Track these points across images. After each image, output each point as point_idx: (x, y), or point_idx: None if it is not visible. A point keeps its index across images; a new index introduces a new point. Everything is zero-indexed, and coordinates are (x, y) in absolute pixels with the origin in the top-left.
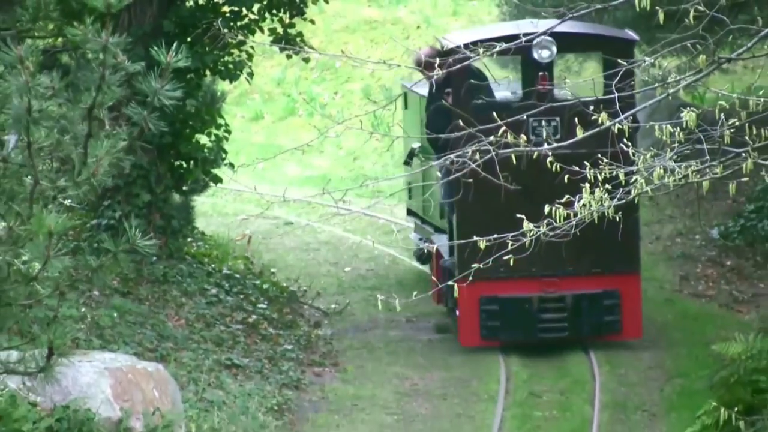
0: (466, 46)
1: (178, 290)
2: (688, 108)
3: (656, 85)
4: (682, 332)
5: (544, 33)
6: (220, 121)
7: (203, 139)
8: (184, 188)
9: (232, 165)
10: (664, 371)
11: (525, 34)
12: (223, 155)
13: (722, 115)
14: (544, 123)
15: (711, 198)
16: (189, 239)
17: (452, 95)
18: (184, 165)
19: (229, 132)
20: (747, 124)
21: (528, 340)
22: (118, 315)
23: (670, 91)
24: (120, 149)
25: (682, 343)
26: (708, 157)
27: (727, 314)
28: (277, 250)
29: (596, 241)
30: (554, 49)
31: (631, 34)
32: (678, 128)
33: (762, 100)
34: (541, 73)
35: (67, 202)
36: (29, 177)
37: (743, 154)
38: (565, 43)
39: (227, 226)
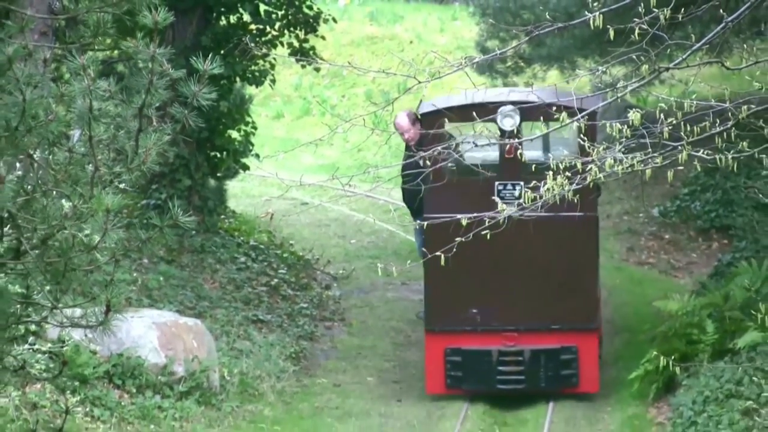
0: (437, 112)
1: (213, 258)
2: (633, 109)
3: (607, 90)
4: (628, 294)
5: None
6: (248, 119)
7: (234, 134)
8: (218, 174)
9: (257, 155)
10: (613, 326)
11: (491, 104)
12: (251, 147)
13: (662, 114)
14: (509, 187)
15: (652, 183)
16: (222, 216)
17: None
18: (218, 155)
19: (255, 128)
20: (682, 122)
21: (488, 390)
22: (163, 279)
23: (619, 94)
24: (165, 142)
25: (628, 302)
26: (650, 150)
27: (665, 279)
28: (294, 226)
29: (556, 298)
30: (517, 118)
31: (596, 102)
32: (625, 126)
33: (695, 102)
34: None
35: (121, 185)
36: (90, 165)
37: (679, 147)
38: (529, 111)
39: (253, 206)
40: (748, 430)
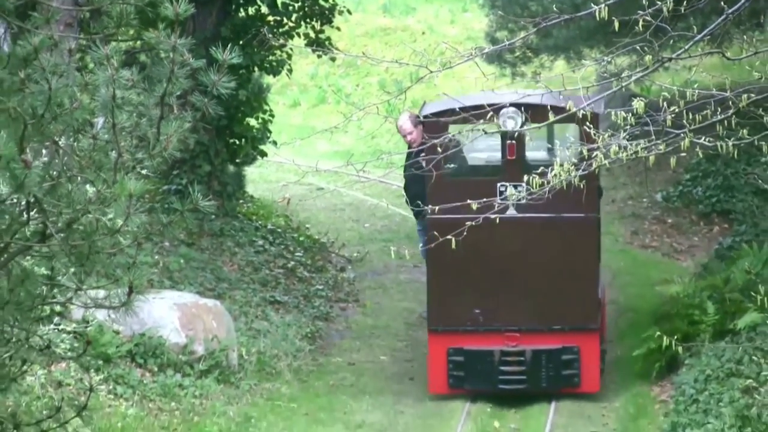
0: (441, 113)
1: (232, 242)
2: (637, 97)
3: (612, 79)
4: (633, 276)
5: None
6: (266, 107)
7: (252, 122)
8: (237, 160)
9: (275, 142)
10: (618, 306)
11: (491, 105)
12: (268, 134)
13: (665, 103)
14: (511, 188)
15: (656, 169)
16: (241, 201)
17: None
18: (237, 142)
19: (272, 116)
20: (685, 111)
21: (489, 390)
22: (184, 261)
23: (624, 83)
24: (186, 129)
25: (632, 284)
26: (653, 137)
27: (668, 261)
28: (310, 210)
29: (557, 299)
30: (519, 120)
31: (600, 106)
32: (630, 114)
33: (697, 91)
34: (509, 142)
35: (143, 171)
36: (113, 151)
37: (682, 135)
38: (532, 113)
39: (271, 191)
40: (748, 407)
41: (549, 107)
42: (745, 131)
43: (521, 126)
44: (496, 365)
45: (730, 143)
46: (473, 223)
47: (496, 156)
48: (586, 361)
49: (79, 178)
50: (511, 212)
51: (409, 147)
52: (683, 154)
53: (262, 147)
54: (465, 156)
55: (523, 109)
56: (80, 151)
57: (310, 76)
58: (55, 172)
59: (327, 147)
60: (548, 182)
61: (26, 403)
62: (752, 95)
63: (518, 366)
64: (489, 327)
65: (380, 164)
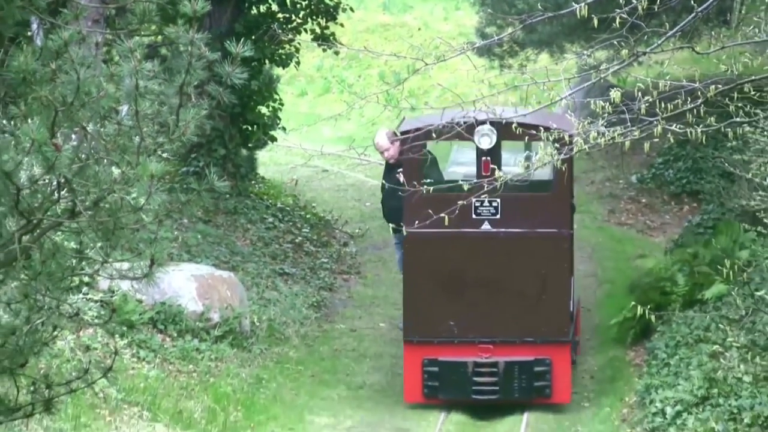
0: (416, 131)
1: (245, 219)
2: (614, 88)
3: (592, 71)
4: (610, 251)
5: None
6: (275, 96)
7: (263, 110)
8: (249, 145)
9: (284, 128)
10: (596, 279)
11: (465, 123)
12: (278, 121)
13: (639, 93)
14: (486, 203)
15: (631, 153)
16: (252, 182)
17: (404, 174)
18: (249, 128)
19: (282, 104)
20: (657, 100)
21: (463, 400)
22: (201, 237)
23: (602, 75)
24: (202, 116)
25: (609, 258)
26: (629, 124)
27: (642, 237)
28: (316, 190)
29: (530, 312)
30: (494, 137)
31: (572, 122)
32: (607, 103)
33: (668, 82)
34: (484, 158)
35: (164, 154)
36: (137, 136)
37: (655, 122)
38: (507, 131)
39: (280, 173)
40: (714, 371)
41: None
42: (712, 119)
43: (496, 143)
44: (470, 376)
45: (699, 130)
46: (463, 203)
47: (473, 171)
48: (557, 373)
49: (105, 160)
50: (486, 227)
51: (387, 163)
52: (656, 140)
53: (272, 132)
54: (441, 171)
55: (496, 127)
56: (106, 135)
57: (316, 68)
58: (83, 155)
59: (331, 133)
60: (533, 165)
61: (57, 365)
62: (719, 86)
63: (491, 377)
64: (463, 339)
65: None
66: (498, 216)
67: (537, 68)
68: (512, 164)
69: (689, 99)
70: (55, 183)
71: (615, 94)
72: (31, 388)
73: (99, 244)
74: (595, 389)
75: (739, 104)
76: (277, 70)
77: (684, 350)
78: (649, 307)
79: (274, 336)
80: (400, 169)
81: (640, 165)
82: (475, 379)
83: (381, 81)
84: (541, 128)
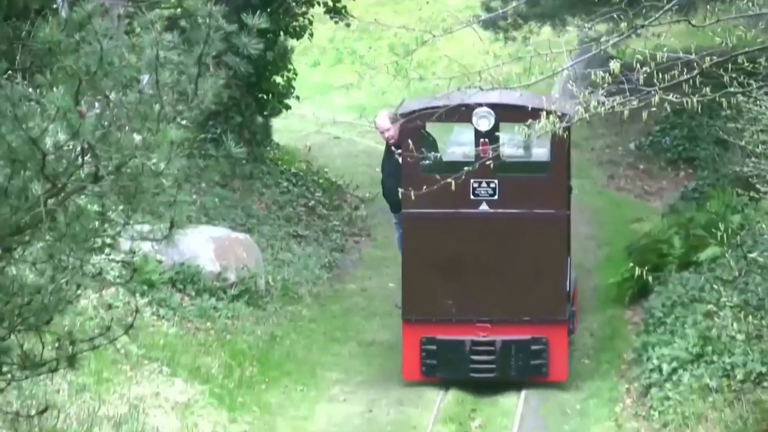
0: (412, 113)
1: (260, 183)
2: (614, 59)
3: (592, 43)
4: (609, 214)
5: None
6: (290, 66)
7: (278, 79)
8: (264, 113)
9: (298, 97)
10: (596, 241)
11: (464, 106)
12: (292, 90)
13: (638, 64)
14: (483, 184)
15: (630, 122)
16: (268, 148)
17: (403, 156)
18: (265, 97)
19: (295, 74)
20: (655, 71)
21: (461, 378)
22: (218, 200)
23: (602, 47)
24: (220, 85)
25: (609, 221)
26: (628, 94)
27: (640, 202)
28: (328, 156)
29: (527, 292)
30: (492, 119)
31: (567, 107)
32: (607, 74)
33: (666, 54)
34: (482, 140)
35: (183, 121)
36: (157, 104)
37: (652, 92)
38: (505, 113)
39: (294, 140)
40: (708, 329)
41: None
42: (707, 89)
43: (494, 125)
44: (468, 354)
45: (695, 99)
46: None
47: (472, 152)
48: (554, 352)
49: (127, 127)
50: (484, 208)
51: (387, 144)
52: (654, 109)
53: (286, 101)
54: (440, 153)
55: (495, 109)
56: (128, 104)
57: (328, 40)
58: (106, 122)
59: (343, 101)
60: (535, 132)
61: (80, 322)
62: (714, 58)
63: (488, 355)
64: (461, 318)
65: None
66: (496, 197)
67: (540, 40)
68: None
69: (685, 70)
70: (79, 149)
71: (614, 66)
72: (56, 345)
73: (121, 207)
74: (595, 346)
75: (733, 75)
76: (292, 42)
77: (679, 310)
78: (646, 268)
79: (288, 295)
80: (400, 150)
81: (638, 133)
82: (473, 357)
83: (391, 52)
84: (542, 111)
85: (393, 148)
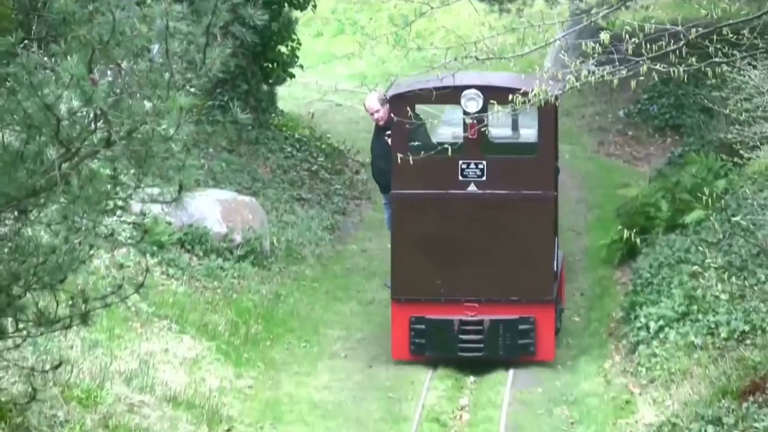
0: (401, 95)
1: (266, 149)
2: (604, 31)
3: (583, 15)
4: (599, 178)
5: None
6: (294, 36)
7: (282, 49)
8: (269, 81)
9: (301, 66)
10: (586, 204)
11: (455, 87)
12: (296, 59)
13: (627, 35)
14: (472, 165)
15: (619, 90)
16: (273, 115)
17: (393, 137)
18: (270, 66)
19: (299, 44)
20: (643, 42)
21: (449, 356)
22: (225, 165)
23: (593, 19)
24: (227, 54)
25: (598, 185)
26: (617, 64)
27: (628, 167)
28: (330, 123)
29: (515, 272)
30: (480, 101)
31: (556, 88)
32: (597, 44)
33: (653, 25)
34: (470, 122)
35: (191, 89)
36: (167, 72)
37: (641, 62)
38: (493, 95)
39: (298, 107)
40: (694, 289)
41: (513, 92)
42: (693, 59)
43: (482, 107)
44: (456, 334)
45: (681, 69)
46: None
47: (461, 133)
48: (541, 331)
49: (138, 94)
50: (472, 189)
51: (377, 125)
52: (642, 78)
53: (290, 70)
54: (429, 134)
55: (483, 91)
56: (139, 72)
57: (331, 11)
58: (118, 90)
59: (345, 70)
60: (529, 100)
61: (93, 281)
62: (700, 29)
63: (477, 335)
64: (450, 297)
65: (389, 85)
66: (484, 178)
67: (533, 12)
68: (497, 126)
69: (672, 41)
70: (92, 115)
71: (604, 37)
72: (70, 302)
73: (132, 171)
74: (585, 305)
75: (718, 46)
76: (295, 13)
77: (666, 270)
78: (634, 230)
79: (292, 256)
80: (389, 132)
81: (627, 101)
82: (461, 336)
83: (390, 23)
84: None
85: (383, 129)
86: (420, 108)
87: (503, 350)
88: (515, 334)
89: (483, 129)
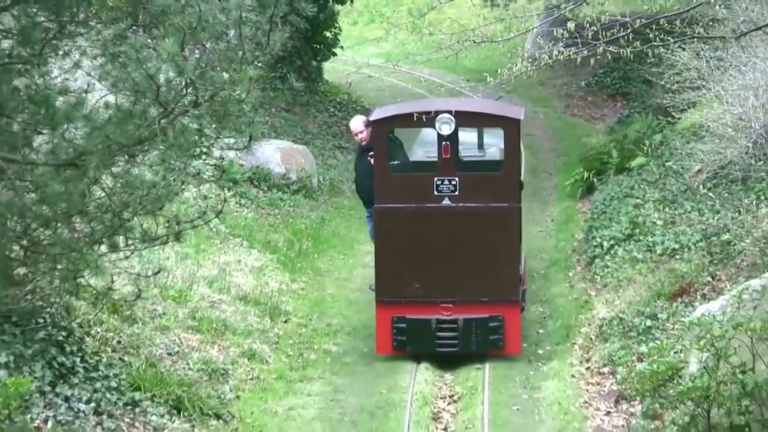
0: (383, 119)
1: (314, 109)
2: (570, 21)
3: (555, 8)
4: (565, 133)
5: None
6: (336, 24)
7: (327, 34)
8: (317, 58)
9: (342, 47)
10: (556, 153)
11: (429, 112)
12: (337, 42)
13: (588, 24)
14: (446, 181)
15: (581, 66)
16: (319, 84)
17: (375, 157)
18: (318, 46)
19: (340, 30)
20: (600, 29)
21: (428, 352)
22: (284, 121)
23: (562, 11)
24: (285, 37)
25: (565, 138)
26: (580, 46)
27: (588, 125)
28: (363, 90)
29: (485, 276)
30: (453, 125)
31: (520, 112)
32: (565, 31)
33: (608, 17)
34: (444, 143)
35: (259, 64)
36: (240, 51)
37: (598, 45)
38: (464, 119)
39: (339, 78)
40: (637, 217)
41: (482, 116)
42: (638, 43)
43: (454, 129)
44: (433, 331)
45: (629, 50)
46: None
47: (435, 154)
48: (509, 328)
49: (218, 67)
50: (446, 202)
51: (360, 145)
52: (599, 57)
53: (333, 50)
54: (406, 154)
55: (455, 115)
56: (219, 50)
57: (364, 5)
58: (203, 64)
59: (374, 50)
60: (513, 74)
61: (184, 209)
62: (643, 20)
63: (452, 332)
64: (427, 299)
65: (408, 61)
66: (456, 192)
67: (517, 6)
68: (468, 148)
69: (622, 29)
70: (183, 83)
71: (570, 25)
72: (166, 224)
73: (213, 126)
74: (555, 229)
75: (657, 33)
76: (338, 6)
77: (616, 203)
78: (592, 172)
79: (334, 190)
80: (371, 153)
81: (587, 74)
82: (438, 334)
83: (409, 14)
84: (494, 116)
85: (366, 150)
86: (398, 131)
87: (475, 345)
88: (486, 331)
89: (455, 149)
